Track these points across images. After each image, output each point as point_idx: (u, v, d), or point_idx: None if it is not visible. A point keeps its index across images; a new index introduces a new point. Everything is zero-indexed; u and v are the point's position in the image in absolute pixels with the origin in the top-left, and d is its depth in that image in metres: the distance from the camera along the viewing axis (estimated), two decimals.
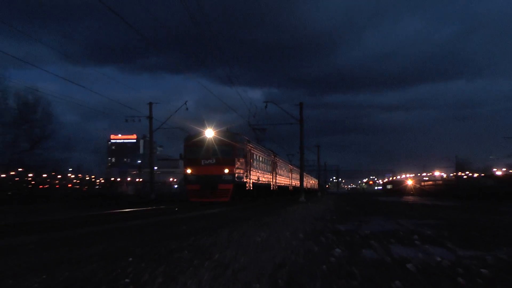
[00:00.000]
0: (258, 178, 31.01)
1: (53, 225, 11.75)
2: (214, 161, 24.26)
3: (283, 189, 44.20)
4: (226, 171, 23.96)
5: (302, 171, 37.04)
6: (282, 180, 43.82)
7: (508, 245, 6.58)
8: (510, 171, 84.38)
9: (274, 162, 38.79)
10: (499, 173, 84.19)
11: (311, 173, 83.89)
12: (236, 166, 24.66)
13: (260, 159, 32.51)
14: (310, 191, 67.98)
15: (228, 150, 24.62)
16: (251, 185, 28.16)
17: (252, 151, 29.25)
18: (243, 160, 25.99)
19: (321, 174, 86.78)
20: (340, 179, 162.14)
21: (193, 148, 24.99)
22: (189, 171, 24.41)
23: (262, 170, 33.13)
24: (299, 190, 46.99)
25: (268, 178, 35.44)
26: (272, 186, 37.27)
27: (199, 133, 25.35)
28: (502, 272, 4.63)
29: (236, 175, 24.52)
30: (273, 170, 38.22)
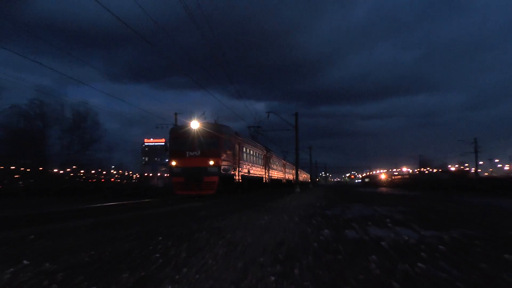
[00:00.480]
0: (249, 171, 25.85)
1: (99, 211, 11.77)
2: (199, 153, 19.41)
3: (276, 182, 38.99)
4: (212, 163, 19.21)
5: (297, 168, 36.30)
6: (275, 173, 39.18)
7: (460, 227, 6.53)
8: (461, 167, 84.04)
9: (268, 157, 33.90)
10: (453, 169, 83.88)
11: (304, 169, 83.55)
12: (222, 158, 19.79)
13: (251, 152, 27.11)
14: (303, 183, 67.63)
15: (214, 142, 19.73)
16: (240, 177, 23.23)
17: (241, 144, 24.07)
18: (230, 152, 20.97)
19: (312, 169, 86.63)
20: (327, 174, 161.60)
21: (178, 140, 20.12)
22: (174, 163, 19.72)
23: (254, 163, 27.75)
24: (292, 183, 46.31)
25: (260, 171, 30.24)
26: (264, 179, 32.15)
27: (185, 125, 20.54)
28: (455, 248, 4.60)
29: (222, 167, 19.69)
30: (266, 164, 32.93)
